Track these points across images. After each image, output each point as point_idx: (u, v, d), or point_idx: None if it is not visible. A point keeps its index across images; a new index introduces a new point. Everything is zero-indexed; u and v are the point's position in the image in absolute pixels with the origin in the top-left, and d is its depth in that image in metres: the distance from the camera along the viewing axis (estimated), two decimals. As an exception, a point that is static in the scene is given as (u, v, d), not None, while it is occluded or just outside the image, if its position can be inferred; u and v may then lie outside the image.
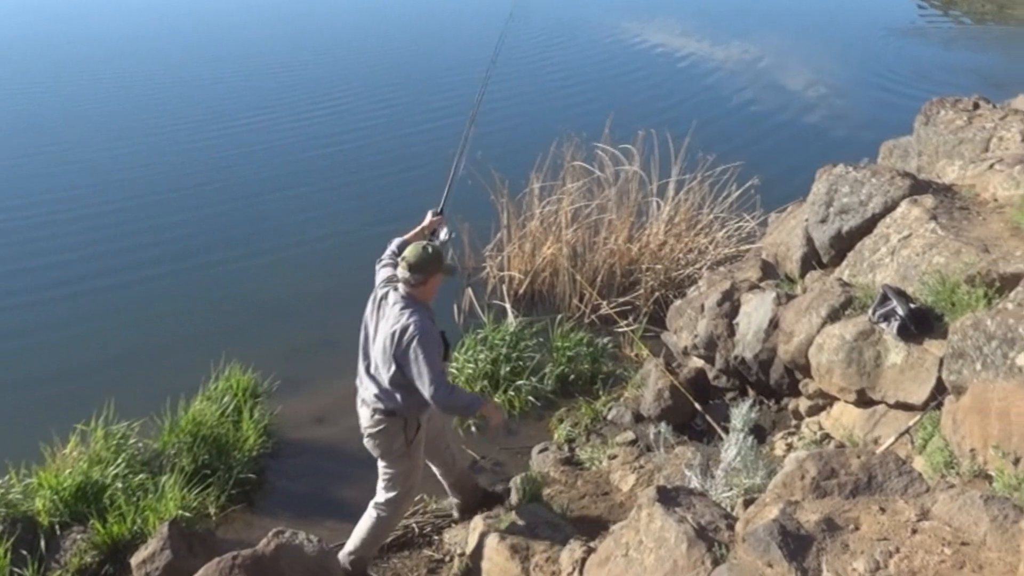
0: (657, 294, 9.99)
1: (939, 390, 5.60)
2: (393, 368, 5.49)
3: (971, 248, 6.68)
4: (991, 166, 7.92)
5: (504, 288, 10.22)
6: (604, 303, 9.75)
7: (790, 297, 7.54)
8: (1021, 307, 5.37)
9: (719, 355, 7.80)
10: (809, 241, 8.21)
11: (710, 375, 7.98)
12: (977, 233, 6.99)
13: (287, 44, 21.40)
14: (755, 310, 7.64)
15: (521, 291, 10.30)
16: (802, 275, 8.18)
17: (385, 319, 5.57)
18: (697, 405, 7.44)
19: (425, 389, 5.41)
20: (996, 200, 7.51)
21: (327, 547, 5.74)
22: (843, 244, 7.83)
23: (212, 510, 7.08)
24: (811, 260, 8.19)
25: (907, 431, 5.59)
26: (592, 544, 5.34)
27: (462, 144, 6.90)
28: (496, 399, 8.39)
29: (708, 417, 7.31)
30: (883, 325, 6.27)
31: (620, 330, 9.43)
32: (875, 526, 3.77)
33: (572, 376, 8.79)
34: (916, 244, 7.02)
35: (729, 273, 8.56)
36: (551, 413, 8.37)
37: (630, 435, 7.45)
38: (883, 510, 3.88)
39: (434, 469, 6.48)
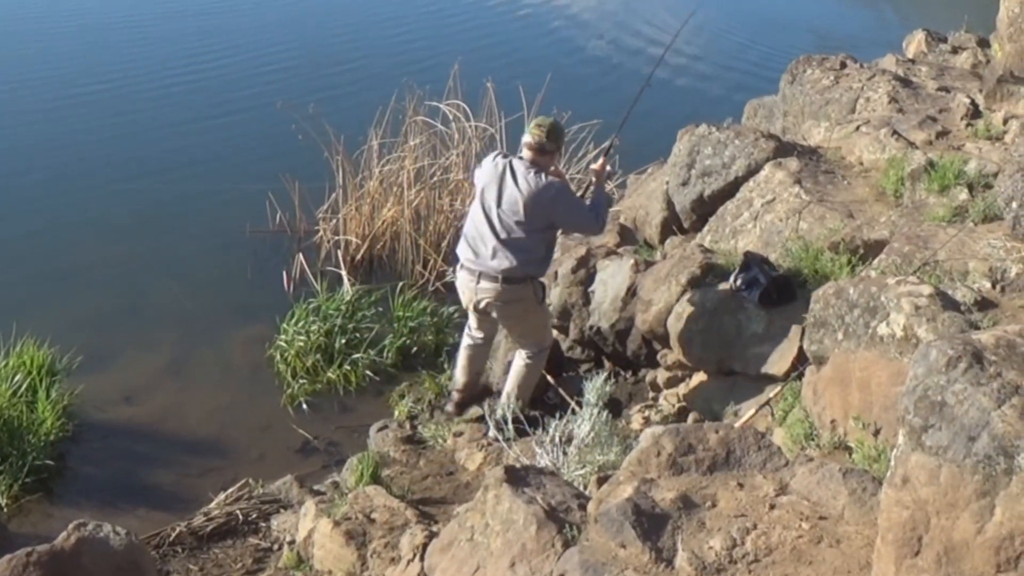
0: (508, 260, 10.05)
1: (801, 360, 5.82)
2: (541, 227, 6.54)
3: (835, 214, 6.96)
4: (857, 128, 8.26)
5: (340, 254, 10.09)
6: (449, 270, 9.75)
7: (649, 264, 7.69)
8: (884, 275, 5.63)
9: (573, 325, 7.90)
10: (669, 205, 8.39)
11: (564, 346, 8.08)
12: (842, 198, 7.29)
13: None
14: (611, 277, 7.76)
15: (358, 257, 10.21)
16: (662, 241, 8.36)
17: (518, 187, 6.44)
18: (549, 378, 7.52)
19: (585, 227, 6.91)
20: (862, 164, 7.84)
21: (136, 539, 5.56)
22: (705, 208, 8.04)
23: (3, 501, 6.79)
24: (671, 225, 8.38)
25: (767, 403, 5.80)
26: (435, 528, 5.36)
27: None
28: (330, 375, 8.36)
29: (561, 390, 7.41)
30: (744, 293, 6.47)
31: (467, 299, 9.46)
32: (733, 503, 3.89)
33: (415, 348, 8.79)
34: (780, 209, 7.27)
35: (584, 238, 8.67)
36: (391, 388, 8.34)
37: (477, 410, 7.49)
38: (741, 486, 4.01)
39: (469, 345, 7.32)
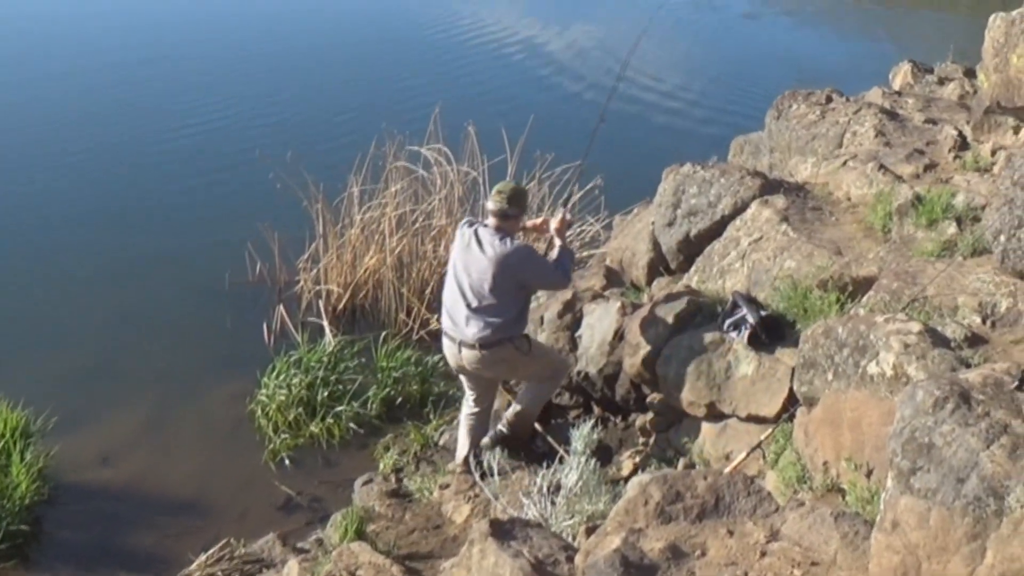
0: (493, 306, 10.08)
1: (791, 401, 5.85)
2: (511, 289, 6.74)
3: (823, 251, 7.01)
4: (844, 163, 8.33)
5: (321, 304, 10.11)
6: (434, 318, 9.78)
7: (636, 306, 7.73)
8: (873, 313, 5.68)
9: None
10: (656, 246, 8.45)
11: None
12: (830, 235, 7.35)
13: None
14: (599, 321, 7.80)
15: (340, 307, 10.23)
16: (649, 282, 8.40)
17: (484, 254, 6.67)
18: (537, 425, 7.54)
19: (553, 284, 7.31)
20: (849, 199, 7.91)
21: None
22: (691, 248, 8.09)
23: (-24, 569, 6.78)
24: (658, 266, 8.43)
25: (759, 446, 5.82)
26: (420, 585, 5.36)
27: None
28: (313, 428, 8.36)
29: (549, 438, 7.42)
30: (733, 334, 6.51)
31: (453, 347, 9.47)
32: (723, 551, 3.91)
33: (399, 399, 8.79)
34: (767, 247, 7.32)
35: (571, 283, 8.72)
36: (376, 441, 8.35)
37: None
38: (731, 533, 4.04)
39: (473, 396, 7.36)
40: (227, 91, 16.61)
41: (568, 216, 7.47)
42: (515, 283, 6.81)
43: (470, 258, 6.77)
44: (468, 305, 6.74)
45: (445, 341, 7.02)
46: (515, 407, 7.31)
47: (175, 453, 8.27)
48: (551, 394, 7.50)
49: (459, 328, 6.81)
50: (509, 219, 6.84)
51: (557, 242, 7.21)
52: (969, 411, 3.51)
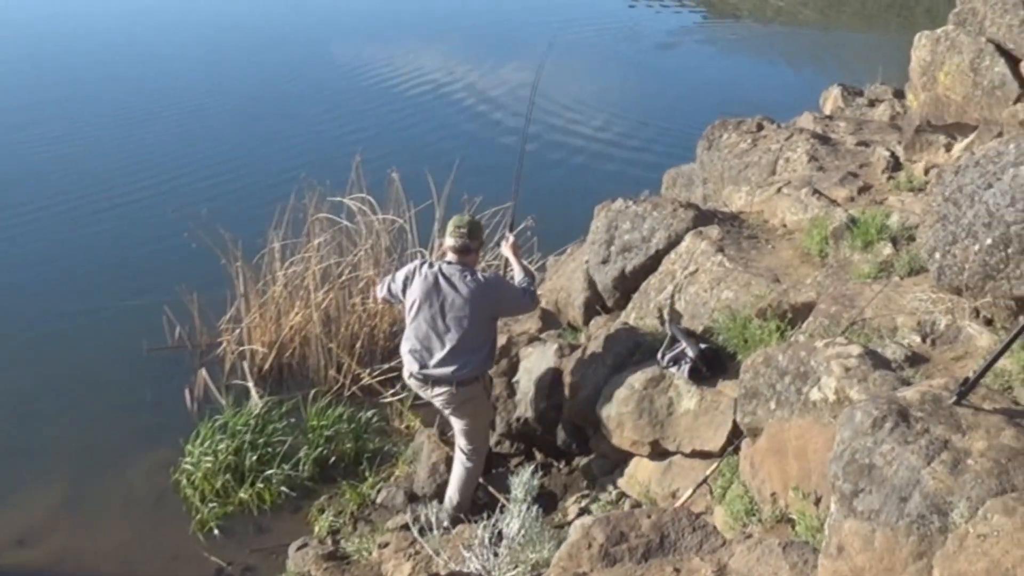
0: (428, 356, 10.08)
1: (736, 434, 5.91)
2: (485, 322, 7.05)
3: (761, 279, 7.14)
4: (778, 190, 8.50)
5: (246, 365, 10.04)
6: (365, 372, 9.76)
7: (573, 347, 7.80)
8: (812, 338, 5.78)
9: (499, 418, 7.96)
10: (591, 284, 8.54)
11: (491, 441, 8.11)
12: (767, 262, 7.48)
13: None
14: (536, 365, 7.85)
15: (266, 367, 10.16)
16: (586, 322, 8.47)
17: (458, 291, 6.91)
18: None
19: (525, 308, 7.55)
20: (785, 226, 8.06)
21: None
22: (627, 285, 8.18)
23: None
24: (595, 305, 8.51)
25: (704, 481, 5.87)
26: (361, 651, 5.31)
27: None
28: (243, 495, 8.28)
29: (491, 488, 7.44)
30: (673, 369, 6.58)
31: (386, 401, 9.46)
32: (670, 589, 3.94)
33: (332, 458, 8.73)
34: (703, 279, 7.43)
35: (504, 326, 8.76)
36: (310, 503, 8.29)
37: (403, 518, 7.47)
38: (678, 571, 4.07)
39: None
40: (136, 148, 16.50)
41: (512, 238, 7.81)
42: (490, 315, 7.14)
43: (443, 297, 6.97)
44: (445, 344, 6.96)
45: (413, 383, 7.24)
46: (449, 494, 7.45)
47: (97, 530, 8.12)
48: (476, 478, 7.51)
49: (432, 369, 7.01)
50: (470, 253, 7.12)
51: (516, 265, 7.52)
52: (908, 429, 3.59)
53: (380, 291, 7.55)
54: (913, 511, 3.38)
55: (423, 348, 7.05)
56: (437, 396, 7.15)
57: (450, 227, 7.15)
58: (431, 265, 7.14)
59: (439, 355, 6.98)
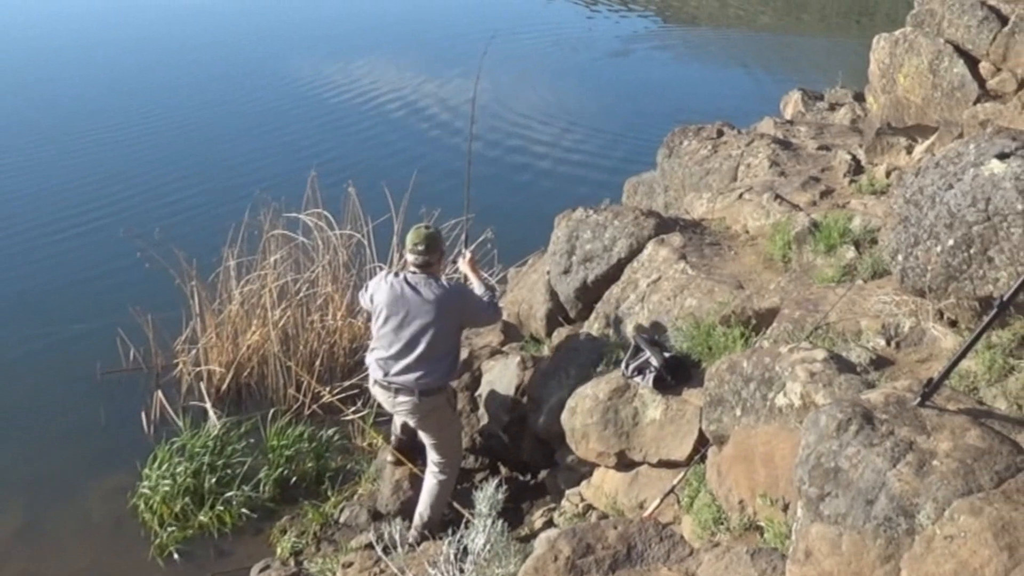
0: (388, 372, 10.07)
1: (702, 442, 5.94)
2: (451, 331, 7.22)
3: (724, 286, 7.18)
4: (740, 196, 8.57)
5: (203, 386, 9.95)
6: (325, 390, 9.72)
7: (536, 359, 7.82)
8: (777, 344, 5.81)
9: (464, 433, 7.95)
10: (553, 295, 8.56)
11: (455, 458, 8.11)
12: (730, 269, 7.53)
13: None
14: (498, 378, 7.86)
15: (224, 387, 10.08)
16: (548, 334, 8.49)
17: (424, 299, 7.06)
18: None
19: (489, 318, 7.65)
20: (748, 232, 8.12)
21: None
22: (590, 295, 8.22)
23: None
24: (557, 316, 8.54)
25: (672, 490, 5.89)
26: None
27: None
28: (202, 518, 8.22)
29: (456, 504, 7.44)
30: (638, 379, 6.59)
31: (348, 418, 9.42)
32: (638, 600, 3.96)
33: (293, 478, 8.69)
34: (666, 287, 7.47)
35: (466, 339, 8.77)
36: (271, 524, 8.25)
37: (366, 537, 7.44)
38: (646, 581, 4.08)
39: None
40: (87, 168, 16.32)
41: (468, 254, 8.04)
42: (456, 322, 7.29)
43: (409, 306, 7.10)
44: (410, 352, 7.09)
45: (377, 390, 7.39)
46: (420, 510, 7.51)
47: (53, 558, 8.04)
48: (448, 493, 7.58)
49: (396, 376, 7.14)
50: (433, 264, 7.25)
51: (476, 281, 7.67)
52: (873, 431, 3.62)
53: (362, 301, 7.70)
54: (880, 514, 3.41)
55: (389, 356, 7.16)
56: (400, 406, 7.25)
57: (408, 244, 7.29)
58: (396, 274, 7.27)
59: (404, 362, 7.09)
